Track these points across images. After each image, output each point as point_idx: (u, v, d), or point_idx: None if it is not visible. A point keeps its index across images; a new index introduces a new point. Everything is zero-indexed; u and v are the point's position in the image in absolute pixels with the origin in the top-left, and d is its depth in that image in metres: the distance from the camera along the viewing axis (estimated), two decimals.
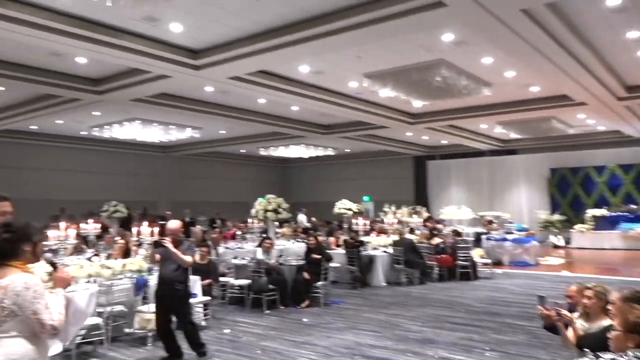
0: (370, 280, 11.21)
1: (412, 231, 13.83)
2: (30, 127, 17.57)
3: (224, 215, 20.12)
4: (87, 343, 6.43)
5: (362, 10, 7.90)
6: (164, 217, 12.96)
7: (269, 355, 6.19)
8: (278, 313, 8.53)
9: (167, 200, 23.07)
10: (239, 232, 14.03)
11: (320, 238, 12.64)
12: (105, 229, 14.27)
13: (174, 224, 5.95)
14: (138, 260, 7.54)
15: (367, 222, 13.11)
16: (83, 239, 10.08)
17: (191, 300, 7.24)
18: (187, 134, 18.19)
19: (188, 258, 5.65)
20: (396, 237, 12.16)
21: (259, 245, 9.23)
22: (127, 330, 6.96)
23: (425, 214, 19.14)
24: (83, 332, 6.31)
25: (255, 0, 8.06)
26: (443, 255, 11.95)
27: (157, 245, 5.60)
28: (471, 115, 16.00)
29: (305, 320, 8.00)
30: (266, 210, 9.66)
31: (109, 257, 8.44)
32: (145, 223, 8.10)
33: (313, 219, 20.80)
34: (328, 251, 10.25)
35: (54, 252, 7.53)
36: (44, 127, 17.83)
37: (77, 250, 9.75)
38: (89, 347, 6.44)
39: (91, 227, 9.65)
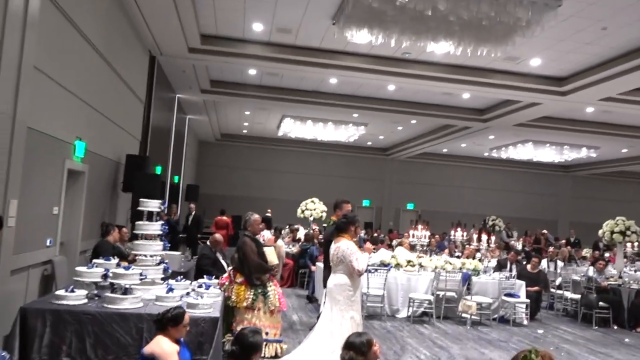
0: None
1: None
2: (443, 150, 21.35)
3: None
4: (425, 314, 8.66)
5: None
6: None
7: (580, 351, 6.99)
8: (606, 331, 8.70)
9: (566, 221, 23.32)
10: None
11: None
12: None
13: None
14: (475, 261, 9.33)
15: None
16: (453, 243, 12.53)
17: (512, 300, 8.58)
18: (583, 153, 18.37)
19: None
20: None
21: (592, 264, 9.48)
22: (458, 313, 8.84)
23: None
24: (425, 304, 8.60)
25: (602, 30, 8.76)
26: None
27: None
28: None
29: (627, 340, 8.04)
30: (612, 232, 9.69)
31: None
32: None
33: None
34: None
35: (413, 247, 10.12)
36: (452, 150, 21.29)
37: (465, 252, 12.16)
38: (425, 317, 8.64)
39: (458, 234, 11.96)
